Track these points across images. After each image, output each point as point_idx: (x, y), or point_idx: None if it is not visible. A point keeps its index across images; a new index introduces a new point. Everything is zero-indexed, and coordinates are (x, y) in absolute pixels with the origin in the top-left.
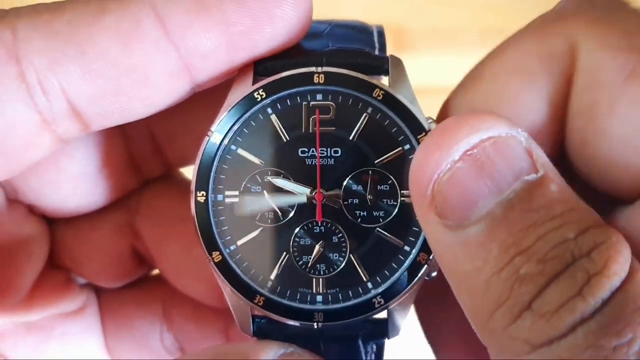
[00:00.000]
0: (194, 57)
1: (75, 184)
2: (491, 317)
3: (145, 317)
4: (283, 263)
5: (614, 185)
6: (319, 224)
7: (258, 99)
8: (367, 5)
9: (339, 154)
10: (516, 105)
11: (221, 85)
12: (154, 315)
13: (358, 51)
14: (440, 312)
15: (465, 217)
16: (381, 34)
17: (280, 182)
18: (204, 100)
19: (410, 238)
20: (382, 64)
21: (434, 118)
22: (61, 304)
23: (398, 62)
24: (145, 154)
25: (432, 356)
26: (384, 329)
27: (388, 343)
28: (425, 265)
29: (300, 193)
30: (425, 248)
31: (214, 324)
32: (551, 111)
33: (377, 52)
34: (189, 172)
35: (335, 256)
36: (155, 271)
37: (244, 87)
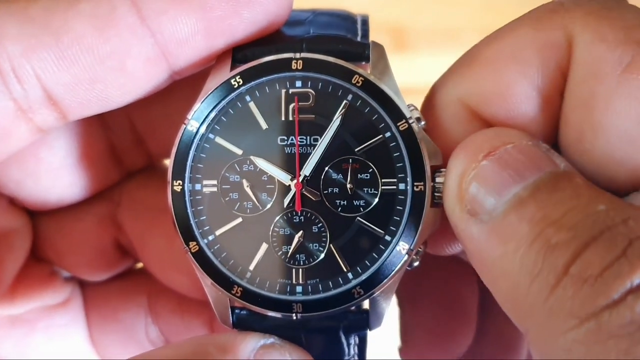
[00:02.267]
0: (171, 43)
1: (56, 175)
2: (528, 292)
3: (130, 309)
4: (262, 253)
5: (608, 179)
6: (299, 214)
7: (235, 86)
8: (367, 5)
9: (318, 142)
10: (509, 94)
11: (203, 75)
12: (139, 308)
13: (339, 37)
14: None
15: (493, 207)
16: (365, 22)
17: (262, 163)
18: (185, 90)
19: (392, 227)
20: (363, 50)
21: (414, 105)
22: (45, 297)
23: (379, 49)
24: (126, 145)
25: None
26: (366, 320)
27: (372, 337)
28: (406, 255)
29: (282, 179)
30: (406, 237)
31: (199, 316)
32: (543, 103)
33: (359, 39)
34: None
35: (315, 246)
36: (140, 264)
37: (221, 74)
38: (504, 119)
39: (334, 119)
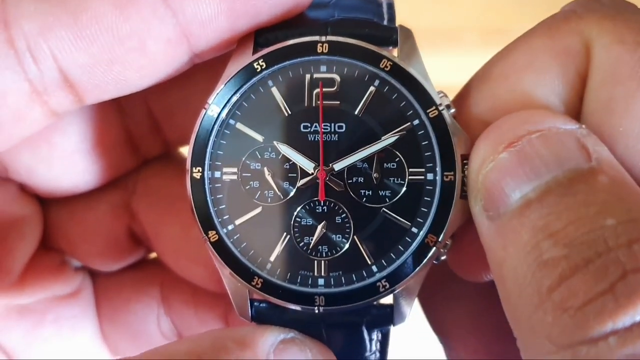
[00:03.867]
0: (193, 24)
1: (69, 162)
2: (517, 303)
3: (142, 301)
4: (283, 244)
5: None
6: (322, 204)
7: (258, 70)
8: None
9: (343, 130)
10: (530, 104)
11: (223, 59)
12: (151, 300)
13: (365, 21)
14: (447, 304)
15: (503, 205)
16: (391, 5)
17: (286, 149)
18: (204, 76)
19: (418, 219)
20: (391, 34)
21: (444, 92)
22: (55, 287)
23: (408, 33)
24: (143, 132)
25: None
26: (389, 316)
27: (394, 331)
28: (434, 248)
29: (305, 166)
30: (434, 229)
31: (213, 309)
32: (564, 108)
33: (385, 23)
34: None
35: (339, 237)
36: (153, 254)
37: (243, 58)
38: None
39: (388, 136)
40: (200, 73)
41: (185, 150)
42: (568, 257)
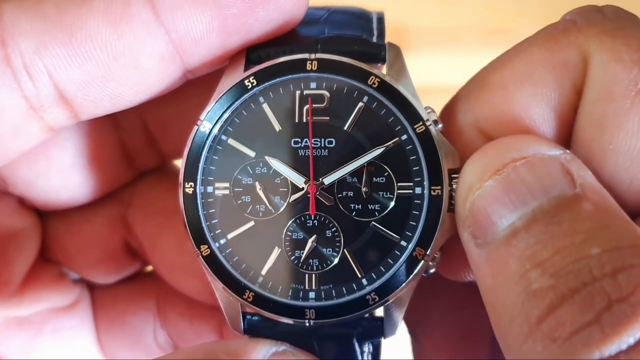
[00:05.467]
0: (186, 41)
1: (67, 175)
2: (507, 332)
3: (139, 313)
4: (275, 258)
5: (617, 201)
6: (312, 218)
7: (249, 87)
8: (367, 5)
9: (333, 145)
10: (525, 116)
11: (216, 75)
12: (147, 312)
13: (354, 38)
14: (422, 298)
15: (491, 233)
16: (381, 20)
17: (277, 164)
18: (198, 90)
19: (407, 232)
20: (379, 51)
21: (432, 108)
22: (53, 299)
23: (396, 50)
24: (138, 146)
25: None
26: (380, 328)
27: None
28: (422, 261)
29: (295, 181)
30: (423, 243)
31: (208, 321)
32: (559, 122)
33: (375, 40)
34: None
35: (329, 251)
36: (150, 267)
37: (235, 75)
38: None
39: (376, 148)
40: (194, 88)
41: (179, 164)
42: (555, 288)
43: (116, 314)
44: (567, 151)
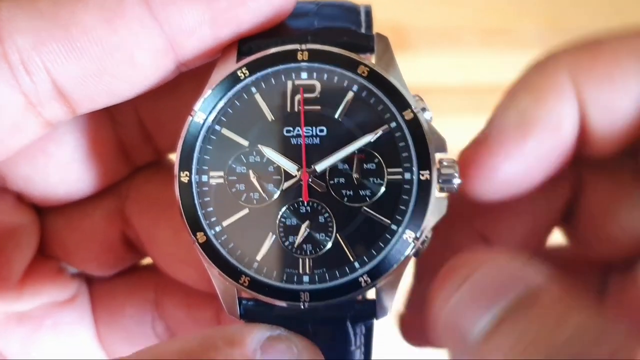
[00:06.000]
0: (178, 34)
1: (65, 171)
2: None
3: (137, 305)
4: (269, 244)
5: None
6: (305, 204)
7: (241, 77)
8: (363, 2)
9: (324, 133)
10: None
11: (209, 69)
12: (145, 303)
13: (343, 29)
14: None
15: (466, 342)
16: (368, 13)
17: (270, 152)
18: (192, 84)
19: (397, 217)
20: (368, 42)
21: (420, 96)
22: (52, 293)
23: (384, 40)
24: (134, 140)
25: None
26: (372, 310)
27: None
28: (412, 243)
29: (288, 169)
30: (412, 226)
31: (205, 310)
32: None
33: (363, 31)
34: None
35: (322, 236)
36: (146, 260)
37: (227, 66)
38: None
39: (367, 135)
40: (188, 83)
41: (174, 157)
42: None
43: (115, 307)
44: (522, 255)
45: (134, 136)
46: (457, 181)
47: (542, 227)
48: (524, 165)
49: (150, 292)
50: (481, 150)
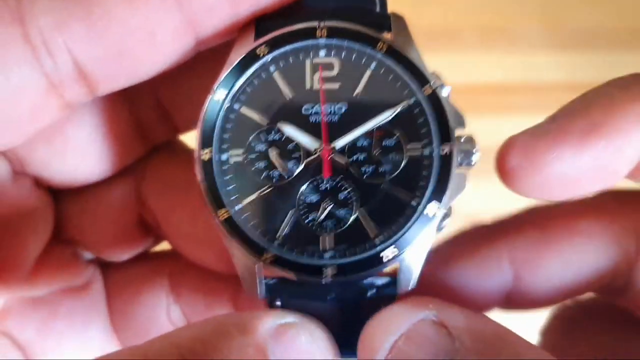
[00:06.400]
0: (198, 12)
1: (83, 153)
2: None
3: (152, 291)
4: (290, 221)
5: None
6: (325, 181)
7: (260, 55)
8: None
9: (343, 110)
10: None
11: (227, 48)
12: (160, 289)
13: (360, 8)
14: None
15: None
16: None
17: (289, 130)
18: (210, 63)
19: (417, 192)
20: (384, 20)
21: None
22: (67, 279)
23: (400, 19)
24: (151, 119)
25: None
26: (394, 286)
27: None
28: (434, 219)
29: (308, 146)
30: (433, 201)
31: (221, 294)
32: None
33: (378, 9)
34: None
35: (343, 212)
36: (160, 246)
37: (245, 45)
38: None
39: (387, 111)
40: (206, 62)
41: (189, 139)
42: None
43: (129, 293)
44: (430, 305)
45: (150, 115)
46: (475, 156)
47: (581, 287)
48: (575, 170)
49: (165, 278)
50: (537, 142)
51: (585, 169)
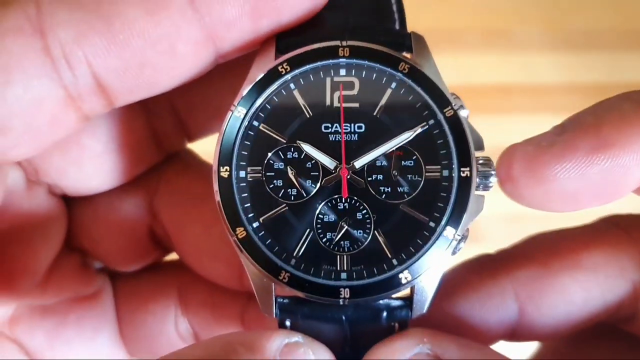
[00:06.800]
0: (219, 26)
1: (98, 162)
2: None
3: (160, 301)
4: (307, 240)
5: None
6: (343, 200)
7: (282, 72)
8: None
9: (362, 130)
10: None
11: (242, 57)
12: (169, 300)
13: (379, 26)
14: None
15: None
16: (400, 7)
17: (308, 148)
18: (225, 73)
19: (436, 214)
20: (404, 40)
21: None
22: (77, 288)
23: (420, 39)
24: (166, 128)
25: None
26: (409, 307)
27: None
28: (451, 241)
29: (327, 164)
30: (451, 223)
31: (229, 308)
32: None
33: (397, 27)
34: (207, 149)
35: (360, 233)
36: (170, 256)
37: (266, 62)
38: None
39: (406, 132)
40: (220, 70)
41: (203, 150)
42: None
43: (138, 303)
44: (425, 339)
45: (166, 123)
46: (493, 179)
47: (586, 320)
48: (580, 185)
49: (174, 290)
50: (542, 155)
51: (589, 185)
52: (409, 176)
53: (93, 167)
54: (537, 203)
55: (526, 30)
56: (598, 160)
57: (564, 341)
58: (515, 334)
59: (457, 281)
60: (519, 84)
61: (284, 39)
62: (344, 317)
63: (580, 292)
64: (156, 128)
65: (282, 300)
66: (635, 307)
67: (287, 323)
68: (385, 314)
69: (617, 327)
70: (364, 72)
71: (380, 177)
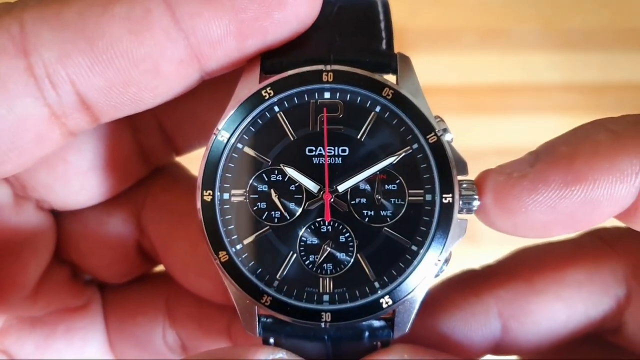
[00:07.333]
0: (204, 45)
1: (84, 178)
2: None
3: (148, 313)
4: (290, 262)
5: None
6: (326, 224)
7: (266, 97)
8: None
9: (346, 153)
10: None
11: (229, 73)
12: (157, 312)
13: (366, 48)
14: None
15: None
16: (387, 20)
17: (291, 172)
18: (211, 89)
19: (418, 238)
20: (390, 61)
21: (440, 117)
22: (66, 300)
23: (406, 61)
24: (153, 143)
25: None
26: (390, 328)
27: None
28: (433, 265)
29: (310, 188)
30: (433, 248)
31: (217, 321)
32: None
33: (384, 46)
34: (194, 165)
35: (343, 256)
36: (159, 268)
37: (250, 84)
38: None
39: (390, 156)
40: (207, 87)
41: (191, 164)
42: None
43: (126, 314)
44: (405, 355)
45: (152, 138)
46: (476, 203)
47: (570, 336)
48: (550, 216)
49: (162, 301)
50: (513, 186)
51: (560, 216)
52: (392, 200)
53: (79, 183)
54: (508, 231)
55: (525, 30)
56: (569, 194)
57: (549, 352)
58: (499, 349)
59: (442, 298)
60: (518, 83)
61: (269, 59)
62: (326, 337)
63: (563, 310)
64: (143, 143)
65: (265, 319)
66: (618, 321)
67: (271, 340)
68: (367, 334)
69: (603, 337)
70: (348, 95)
71: (363, 200)
